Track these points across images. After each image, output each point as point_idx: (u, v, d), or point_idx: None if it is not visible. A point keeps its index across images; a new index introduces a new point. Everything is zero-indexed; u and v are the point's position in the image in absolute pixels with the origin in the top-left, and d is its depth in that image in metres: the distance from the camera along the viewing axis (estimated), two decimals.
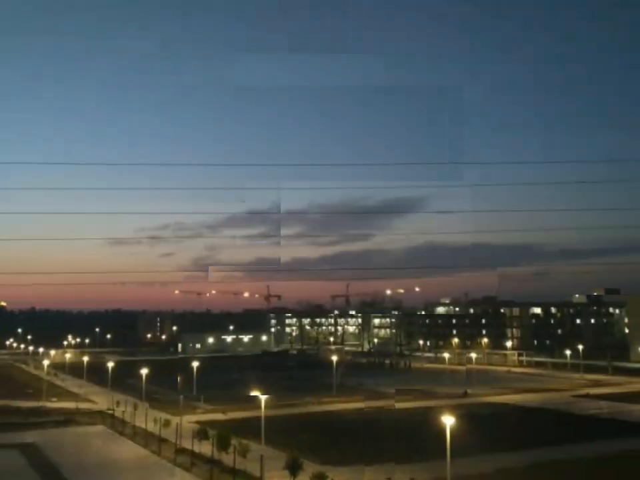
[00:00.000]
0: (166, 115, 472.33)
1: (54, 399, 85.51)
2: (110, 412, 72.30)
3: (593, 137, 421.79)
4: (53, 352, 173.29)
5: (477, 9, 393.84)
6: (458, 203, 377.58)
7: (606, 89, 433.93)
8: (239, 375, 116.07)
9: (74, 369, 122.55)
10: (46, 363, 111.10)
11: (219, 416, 70.77)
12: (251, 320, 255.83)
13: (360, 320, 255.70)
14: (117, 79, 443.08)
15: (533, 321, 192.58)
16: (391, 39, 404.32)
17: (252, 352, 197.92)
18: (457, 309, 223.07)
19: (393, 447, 52.40)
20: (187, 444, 51.91)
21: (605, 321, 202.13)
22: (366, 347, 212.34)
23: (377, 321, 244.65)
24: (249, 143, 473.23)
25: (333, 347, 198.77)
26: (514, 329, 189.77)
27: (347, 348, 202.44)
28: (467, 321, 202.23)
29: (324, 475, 38.10)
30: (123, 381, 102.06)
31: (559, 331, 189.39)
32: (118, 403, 74.64)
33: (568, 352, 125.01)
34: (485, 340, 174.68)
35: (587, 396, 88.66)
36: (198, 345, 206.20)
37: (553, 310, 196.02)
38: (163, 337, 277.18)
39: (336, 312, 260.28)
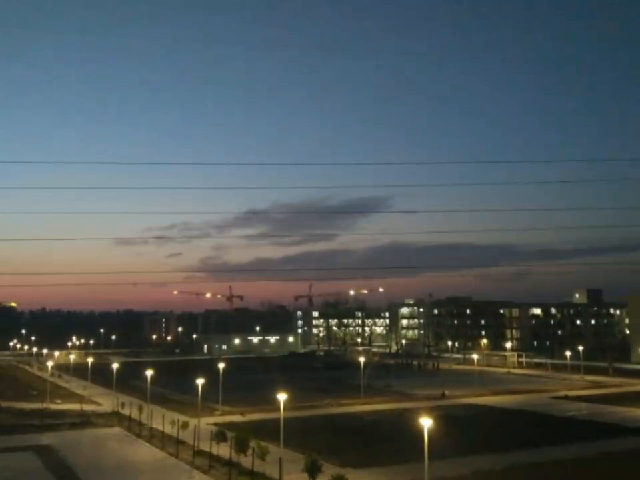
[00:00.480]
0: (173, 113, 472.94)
1: (58, 401, 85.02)
2: (126, 414, 73.04)
3: (574, 136, 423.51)
4: (57, 353, 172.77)
5: (469, 9, 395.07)
6: (427, 203, 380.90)
7: (590, 88, 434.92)
8: (265, 376, 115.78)
9: (78, 370, 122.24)
10: (50, 364, 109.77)
11: (237, 418, 70.93)
12: (277, 320, 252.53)
13: (387, 321, 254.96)
14: (124, 77, 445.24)
15: (533, 321, 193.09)
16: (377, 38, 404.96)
17: (278, 353, 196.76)
18: (422, 309, 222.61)
19: (371, 450, 53.31)
20: (204, 446, 51.85)
21: (605, 321, 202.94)
22: (394, 348, 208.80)
23: (404, 322, 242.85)
24: (210, 142, 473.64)
25: (360, 348, 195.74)
26: (513, 330, 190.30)
27: (374, 349, 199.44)
28: (468, 322, 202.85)
29: (343, 477, 38.16)
30: (127, 382, 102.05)
31: (559, 332, 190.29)
32: (123, 405, 74.71)
33: (568, 353, 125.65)
34: (484, 341, 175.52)
35: (567, 398, 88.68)
36: (224, 346, 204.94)
37: (553, 311, 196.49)
38: (169, 337, 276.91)
39: (363, 312, 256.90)
